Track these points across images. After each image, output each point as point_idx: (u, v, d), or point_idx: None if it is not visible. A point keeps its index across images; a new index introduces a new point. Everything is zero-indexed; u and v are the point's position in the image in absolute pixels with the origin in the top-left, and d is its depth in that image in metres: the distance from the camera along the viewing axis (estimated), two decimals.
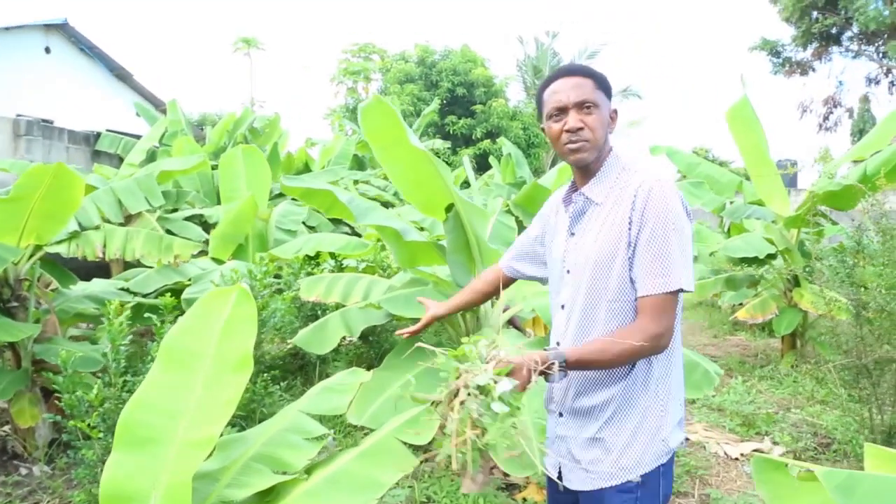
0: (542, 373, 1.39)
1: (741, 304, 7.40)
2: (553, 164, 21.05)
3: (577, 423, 1.64)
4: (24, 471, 3.71)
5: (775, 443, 4.14)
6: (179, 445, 1.75)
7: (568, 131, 1.58)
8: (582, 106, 1.57)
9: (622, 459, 1.56)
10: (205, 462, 1.96)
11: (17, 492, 3.46)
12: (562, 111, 1.59)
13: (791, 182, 22.86)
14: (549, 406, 1.75)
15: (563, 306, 1.67)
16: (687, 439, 4.26)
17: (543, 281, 1.94)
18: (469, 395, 1.29)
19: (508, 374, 1.33)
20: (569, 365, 1.45)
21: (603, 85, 1.62)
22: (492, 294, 2.06)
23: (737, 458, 3.95)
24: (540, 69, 22.76)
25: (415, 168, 3.38)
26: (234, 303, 1.97)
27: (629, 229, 1.51)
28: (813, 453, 3.99)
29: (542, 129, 1.69)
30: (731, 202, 7.14)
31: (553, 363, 1.41)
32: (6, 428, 4.11)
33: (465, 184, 11.10)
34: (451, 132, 19.66)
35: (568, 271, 1.66)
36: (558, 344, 1.67)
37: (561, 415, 1.69)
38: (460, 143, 19.68)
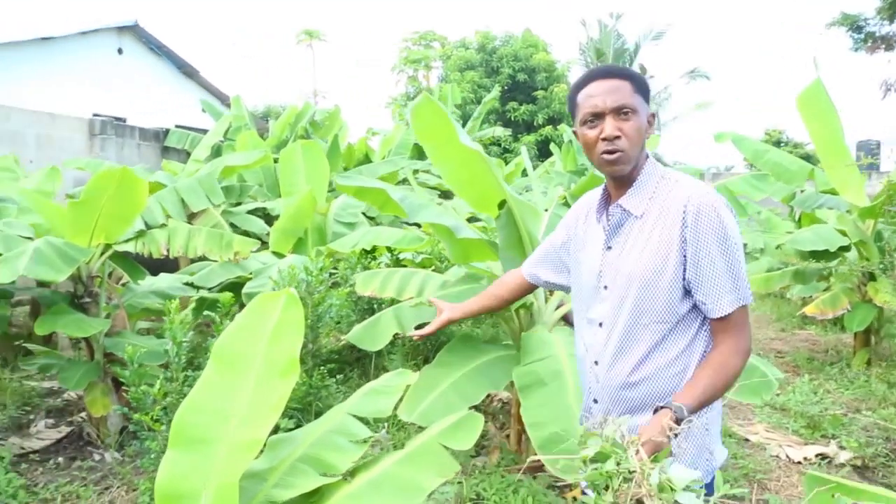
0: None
1: (811, 297, 7.09)
2: None
3: None
4: (97, 456, 3.93)
5: (842, 447, 3.96)
6: (229, 446, 1.81)
7: (605, 139, 1.49)
8: (620, 112, 1.48)
9: None
10: (254, 461, 2.04)
11: (91, 476, 3.67)
12: (598, 117, 1.50)
13: (873, 165, 21.69)
14: (586, 426, 1.70)
15: (600, 324, 1.60)
16: (747, 440, 4.13)
17: (566, 289, 1.87)
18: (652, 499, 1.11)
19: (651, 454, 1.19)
20: (691, 413, 1.35)
21: (641, 88, 1.53)
22: (511, 301, 2.01)
23: (799, 462, 3.80)
24: (603, 52, 22.30)
25: (466, 166, 3.38)
26: (282, 307, 2.03)
27: (683, 249, 1.45)
28: (884, 460, 3.80)
29: (575, 134, 1.61)
30: (802, 191, 6.83)
31: (683, 419, 1.30)
32: (82, 415, 4.36)
33: (525, 173, 11.03)
34: (512, 119, 19.52)
35: (605, 287, 1.58)
36: (596, 363, 1.60)
37: None
38: (521, 129, 19.51)
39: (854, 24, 18.04)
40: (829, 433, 4.24)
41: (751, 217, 13.14)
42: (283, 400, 1.87)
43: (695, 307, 1.50)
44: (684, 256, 1.45)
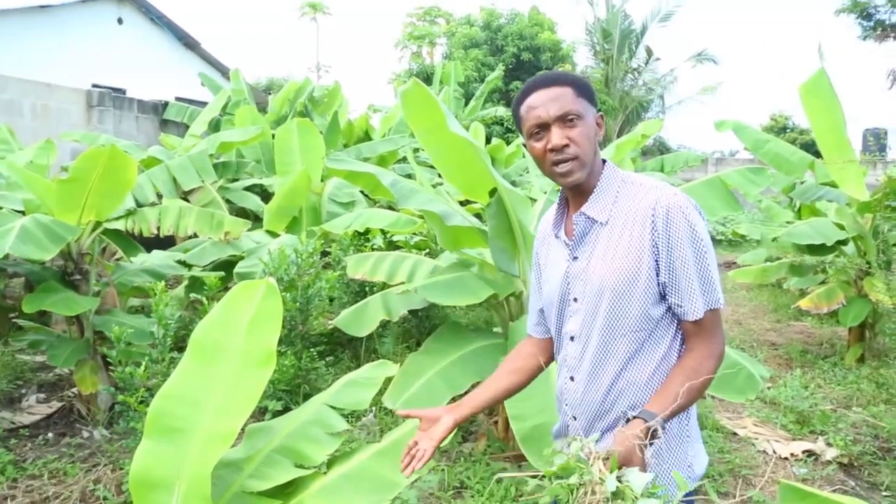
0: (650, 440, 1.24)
1: (808, 288, 7.07)
2: (620, 133, 20.51)
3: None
4: (85, 433, 3.94)
5: (829, 444, 3.96)
6: (203, 437, 1.80)
7: (552, 150, 1.42)
8: (564, 119, 1.42)
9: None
10: (231, 450, 2.04)
11: (79, 453, 3.69)
12: (543, 127, 1.44)
13: (881, 149, 21.46)
14: (561, 442, 1.62)
15: (572, 338, 1.53)
16: (735, 434, 4.14)
17: None
18: None
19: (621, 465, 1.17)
20: (665, 420, 1.30)
21: (585, 91, 1.46)
22: (538, 366, 1.70)
23: (786, 458, 3.80)
24: (609, 33, 21.99)
25: (456, 153, 3.35)
26: (261, 297, 2.01)
27: (654, 253, 1.40)
28: (871, 458, 3.80)
29: (524, 146, 1.54)
30: (802, 182, 6.76)
31: (655, 428, 1.25)
32: (73, 391, 4.37)
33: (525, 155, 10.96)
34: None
35: (575, 299, 1.52)
36: (572, 379, 1.54)
37: None
38: None
39: (864, 12, 17.82)
40: (817, 429, 4.24)
41: (752, 205, 13.10)
42: (259, 391, 1.85)
43: (668, 312, 1.46)
44: (656, 261, 1.41)
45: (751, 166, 4.00)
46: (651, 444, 1.23)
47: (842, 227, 5.82)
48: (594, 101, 1.49)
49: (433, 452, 1.49)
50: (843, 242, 5.90)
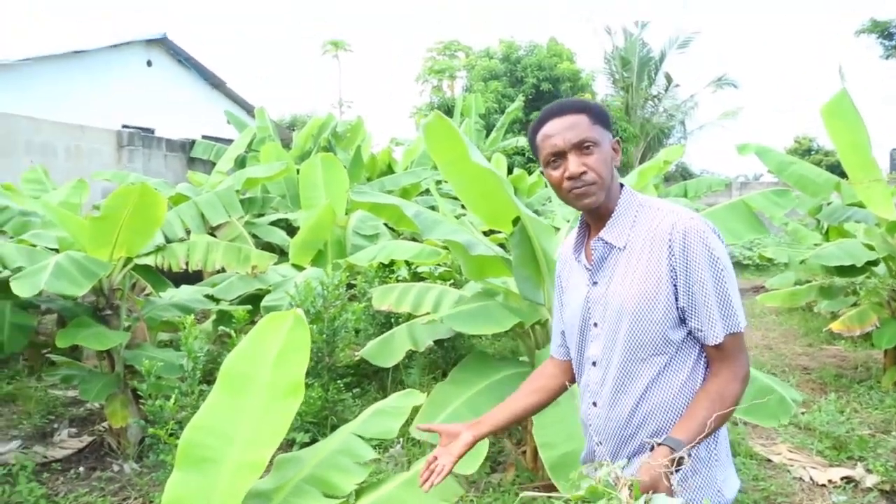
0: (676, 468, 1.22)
1: (840, 311, 6.93)
2: (642, 160, 20.49)
3: None
4: (116, 467, 3.98)
5: (869, 470, 3.84)
6: (233, 467, 1.82)
7: (570, 178, 1.44)
8: (581, 147, 1.43)
9: None
10: (261, 481, 2.05)
11: (110, 487, 3.73)
12: (559, 156, 1.45)
13: None
14: (588, 467, 1.61)
15: (594, 363, 1.53)
16: (769, 461, 4.04)
17: None
18: None
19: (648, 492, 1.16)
20: (691, 447, 1.28)
21: (600, 118, 1.47)
22: (560, 387, 1.70)
23: (824, 485, 3.69)
24: (628, 61, 22.13)
25: (478, 183, 3.38)
26: (288, 328, 2.04)
27: (672, 277, 1.40)
28: None
29: (542, 173, 1.57)
30: (829, 203, 6.68)
31: (680, 456, 1.23)
32: (104, 425, 4.43)
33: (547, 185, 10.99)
34: None
35: (595, 324, 1.52)
36: (595, 404, 1.54)
37: None
38: None
39: (885, 31, 17.71)
40: (855, 455, 4.11)
41: (778, 229, 12.93)
42: (288, 422, 1.88)
43: (689, 336, 1.45)
44: (674, 285, 1.40)
45: (774, 188, 3.97)
46: (677, 472, 1.21)
47: (871, 248, 5.72)
48: (610, 127, 1.50)
49: (452, 467, 1.51)
50: (874, 263, 5.79)
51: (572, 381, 1.71)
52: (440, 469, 1.50)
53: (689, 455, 1.26)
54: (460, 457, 1.52)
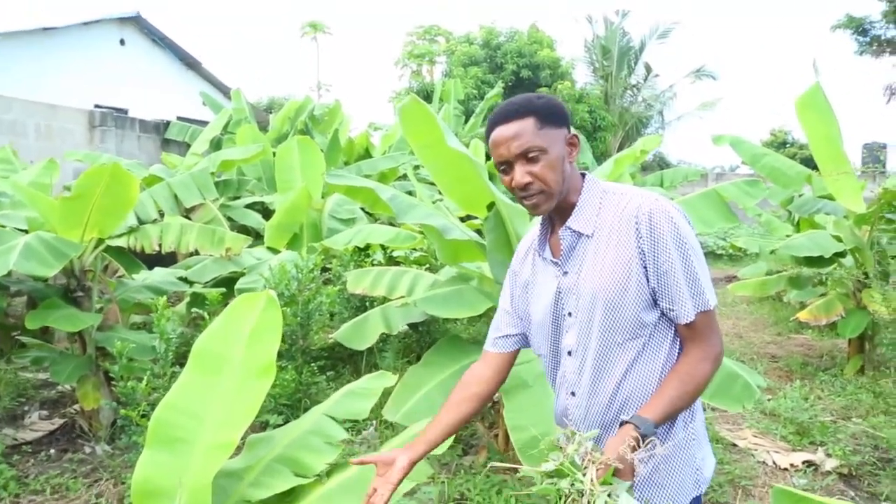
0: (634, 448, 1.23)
1: (809, 301, 7.08)
2: (620, 149, 20.61)
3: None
4: (88, 449, 3.96)
5: (829, 455, 3.96)
6: (204, 447, 1.83)
7: (517, 188, 1.44)
8: (525, 156, 1.42)
9: (654, 497, 1.46)
10: (232, 460, 2.06)
11: (81, 469, 3.71)
12: (507, 164, 1.45)
13: (876, 161, 21.51)
14: (565, 447, 1.63)
15: (569, 352, 1.52)
16: (734, 445, 4.14)
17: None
18: None
19: (614, 474, 1.19)
20: (657, 427, 1.31)
21: (549, 117, 1.44)
22: (493, 390, 1.68)
23: (786, 469, 3.80)
24: (608, 50, 22.18)
25: (454, 168, 3.40)
26: (261, 309, 2.04)
27: (642, 259, 1.40)
28: (871, 468, 3.80)
29: None
30: (800, 195, 6.81)
31: (648, 437, 1.25)
32: (75, 407, 4.39)
33: None
34: None
35: (569, 314, 1.51)
36: (573, 394, 1.53)
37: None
38: None
39: (859, 28, 17.97)
40: (817, 440, 4.24)
41: (751, 219, 13.13)
42: (259, 401, 1.88)
43: (663, 317, 1.46)
44: (644, 266, 1.41)
45: (746, 179, 4.04)
46: (641, 450, 1.23)
47: (840, 240, 5.85)
48: (564, 122, 1.47)
49: (389, 496, 1.47)
50: (842, 255, 5.93)
51: (502, 381, 1.69)
52: (379, 500, 1.46)
53: (655, 434, 1.27)
54: (399, 483, 1.49)
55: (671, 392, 1.37)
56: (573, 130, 1.52)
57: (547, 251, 1.56)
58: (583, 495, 1.14)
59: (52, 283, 4.38)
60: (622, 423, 1.34)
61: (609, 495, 1.14)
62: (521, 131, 1.42)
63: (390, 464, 1.52)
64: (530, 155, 1.42)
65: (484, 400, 1.67)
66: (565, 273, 1.51)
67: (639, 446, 1.23)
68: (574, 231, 1.48)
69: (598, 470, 1.17)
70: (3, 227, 4.08)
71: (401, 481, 1.50)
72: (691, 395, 1.39)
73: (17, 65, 11.90)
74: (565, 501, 1.15)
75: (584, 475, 1.17)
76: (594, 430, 1.40)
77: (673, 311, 1.42)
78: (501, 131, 1.44)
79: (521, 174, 1.43)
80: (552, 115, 1.45)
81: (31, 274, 3.39)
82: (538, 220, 1.63)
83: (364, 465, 1.65)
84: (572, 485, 1.16)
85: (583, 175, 1.53)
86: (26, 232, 3.97)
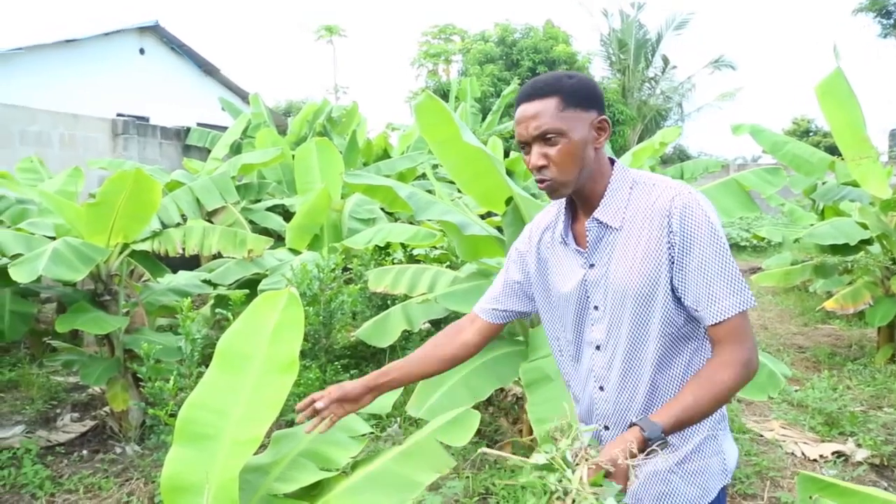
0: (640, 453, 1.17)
1: (836, 291, 6.97)
2: (640, 141, 20.45)
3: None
4: (118, 449, 4.04)
5: (859, 445, 3.90)
6: (230, 443, 1.86)
7: (532, 169, 1.40)
8: (543, 138, 1.36)
9: (689, 490, 1.44)
10: (258, 456, 2.09)
11: (112, 468, 3.78)
12: (526, 144, 1.40)
13: None
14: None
15: (598, 347, 1.48)
16: (761, 437, 4.10)
17: (528, 315, 1.74)
18: None
19: (606, 476, 1.13)
20: (666, 433, 1.22)
21: (574, 98, 1.37)
22: (468, 356, 1.71)
23: (815, 460, 3.75)
24: (625, 43, 22.06)
25: (471, 163, 3.41)
26: (283, 307, 2.07)
27: (670, 253, 1.34)
28: None
29: None
30: (823, 183, 6.71)
31: (652, 443, 1.18)
32: (105, 409, 4.48)
33: None
34: None
35: (596, 307, 1.46)
36: (602, 388, 1.50)
37: None
38: None
39: (883, 10, 17.63)
40: (847, 431, 4.17)
41: (774, 209, 12.96)
42: (283, 397, 1.91)
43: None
44: (671, 262, 1.35)
45: (766, 167, 4.00)
46: (641, 457, 1.15)
47: (865, 227, 5.76)
48: (592, 105, 1.40)
49: (342, 416, 1.62)
50: (868, 242, 5.83)
51: (477, 352, 1.72)
52: (329, 417, 1.60)
53: (665, 441, 1.20)
54: (357, 409, 1.63)
55: (687, 398, 1.28)
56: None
57: (571, 239, 1.51)
58: (567, 494, 1.08)
59: (80, 287, 4.47)
60: (631, 424, 1.27)
61: (596, 498, 1.06)
62: (542, 112, 1.36)
63: (354, 398, 1.62)
64: (548, 137, 1.36)
65: (458, 363, 1.71)
66: (592, 266, 1.46)
67: (641, 451, 1.16)
68: (601, 223, 1.43)
69: (588, 469, 1.10)
70: (32, 234, 4.17)
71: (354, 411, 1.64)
72: (710, 403, 1.29)
73: (42, 77, 12.15)
74: (549, 498, 1.10)
75: (573, 473, 1.10)
76: (593, 425, 1.38)
77: (698, 311, 1.35)
78: (524, 109, 1.40)
79: (536, 156, 1.38)
80: (579, 97, 1.38)
81: (59, 279, 3.46)
82: (553, 201, 1.58)
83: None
84: (559, 481, 1.10)
85: (612, 162, 1.47)
86: (54, 239, 4.06)
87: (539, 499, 1.11)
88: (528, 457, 3.34)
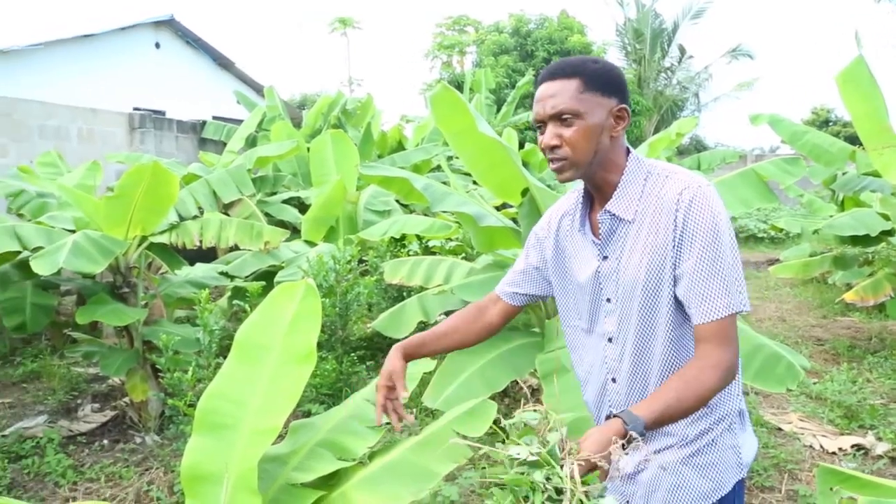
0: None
1: (856, 282, 6.88)
2: (656, 132, 20.30)
3: (644, 458, 1.44)
4: (138, 439, 4.09)
5: (879, 438, 3.86)
6: (248, 432, 1.88)
7: (545, 149, 1.39)
8: (559, 118, 1.36)
9: (702, 483, 1.43)
10: (276, 445, 2.11)
11: (132, 458, 3.83)
12: (542, 123, 1.40)
13: None
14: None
15: (610, 339, 1.49)
16: (779, 429, 4.07)
17: (547, 297, 1.74)
18: None
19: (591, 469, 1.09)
20: (647, 429, 1.21)
21: (596, 82, 1.36)
22: (492, 333, 1.74)
23: (834, 453, 3.72)
24: (641, 32, 21.86)
25: (486, 154, 3.40)
26: (300, 297, 2.08)
27: (674, 245, 1.33)
28: None
29: None
30: (844, 173, 6.61)
31: (634, 437, 1.16)
32: (125, 400, 4.53)
33: None
34: None
35: (608, 300, 1.47)
36: (614, 380, 1.51)
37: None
38: None
39: None
40: (866, 424, 4.13)
41: (793, 200, 12.81)
42: (300, 388, 1.92)
43: None
44: (673, 255, 1.35)
45: (785, 157, 3.95)
46: (630, 449, 1.12)
47: (887, 218, 5.67)
48: (613, 91, 1.39)
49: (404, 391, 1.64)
50: (889, 233, 5.74)
51: (497, 332, 1.76)
52: (399, 410, 1.65)
53: (642, 435, 1.17)
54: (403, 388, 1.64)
55: (669, 394, 1.27)
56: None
57: (587, 228, 1.51)
58: (561, 493, 1.01)
59: (99, 280, 4.53)
60: (609, 416, 1.26)
61: (589, 496, 1.01)
62: (561, 91, 1.36)
63: (397, 374, 1.66)
64: (564, 117, 1.35)
65: (482, 341, 1.76)
66: (605, 257, 1.46)
67: (625, 446, 1.11)
68: (613, 215, 1.42)
69: (579, 466, 1.04)
70: (52, 227, 4.22)
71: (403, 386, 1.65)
72: (691, 403, 1.27)
73: (60, 72, 12.26)
74: (542, 498, 1.02)
75: (561, 468, 1.03)
76: (568, 413, 1.34)
77: (689, 307, 1.34)
78: (543, 88, 1.39)
79: (549, 135, 1.37)
80: (601, 82, 1.38)
81: (79, 270, 3.50)
82: (570, 188, 1.59)
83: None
84: (548, 479, 1.03)
85: (628, 152, 1.45)
86: (73, 232, 4.11)
87: (529, 496, 1.04)
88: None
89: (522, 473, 1.05)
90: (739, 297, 1.31)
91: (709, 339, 1.31)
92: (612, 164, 1.42)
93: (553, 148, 1.37)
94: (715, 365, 1.29)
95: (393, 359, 1.66)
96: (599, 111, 1.37)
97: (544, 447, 1.07)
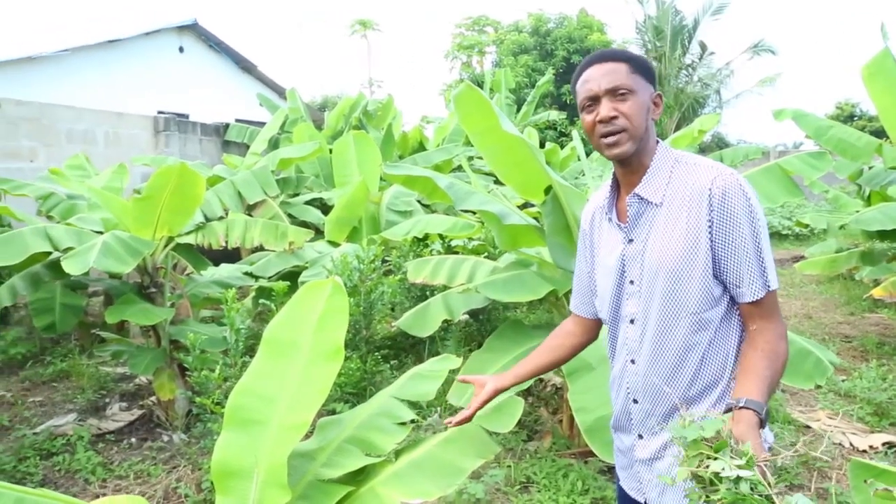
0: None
1: (885, 278, 6.75)
2: (677, 129, 20.10)
3: (662, 446, 1.51)
4: (165, 437, 4.15)
5: None
6: (278, 428, 1.90)
7: (601, 121, 1.43)
8: (615, 92, 1.42)
9: None
10: (305, 442, 2.14)
11: (160, 456, 3.89)
12: (594, 100, 1.45)
13: None
14: (622, 428, 1.63)
15: (632, 320, 1.52)
16: (808, 427, 4.01)
17: None
18: None
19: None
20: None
21: (641, 68, 1.45)
22: (579, 345, 1.78)
23: (864, 451, 3.66)
24: (661, 30, 21.64)
25: (510, 152, 3.40)
26: (328, 295, 2.10)
27: (710, 232, 1.38)
28: None
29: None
30: (870, 167, 6.50)
31: (764, 418, 1.25)
32: (152, 399, 4.61)
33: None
34: (567, 102, 19.30)
35: (631, 281, 1.51)
36: (633, 361, 1.53)
37: (641, 436, 1.56)
38: (577, 112, 19.26)
39: None
40: None
41: (818, 196, 12.61)
42: (329, 384, 1.94)
43: (725, 292, 1.43)
44: (711, 240, 1.39)
45: (811, 151, 3.90)
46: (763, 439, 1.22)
47: None
48: (652, 80, 1.48)
49: (474, 413, 1.75)
50: None
51: (591, 340, 1.77)
52: (463, 413, 1.74)
53: (768, 416, 1.26)
54: (484, 403, 1.73)
55: (766, 371, 1.32)
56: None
57: (614, 214, 1.56)
58: (770, 501, 1.00)
59: (127, 280, 4.60)
60: (731, 408, 1.26)
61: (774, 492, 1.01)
62: (615, 70, 1.44)
63: (482, 385, 1.76)
64: (620, 92, 1.43)
65: (572, 350, 1.79)
66: (630, 241, 1.50)
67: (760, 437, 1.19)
68: (642, 199, 1.47)
69: (758, 468, 1.05)
70: (81, 228, 4.30)
71: (486, 402, 1.74)
72: (780, 375, 1.36)
73: (87, 76, 12.49)
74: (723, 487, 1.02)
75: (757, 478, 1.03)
76: (721, 413, 1.32)
77: (740, 288, 1.39)
78: (596, 69, 1.46)
79: (607, 108, 1.43)
80: (644, 68, 1.47)
81: (108, 270, 3.56)
82: (600, 186, 1.63)
83: (467, 383, 1.89)
84: (752, 489, 1.02)
85: (657, 142, 1.52)
86: (101, 233, 4.18)
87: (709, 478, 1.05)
88: (570, 447, 3.28)
89: (729, 490, 1.03)
90: (775, 277, 1.41)
91: (763, 314, 1.40)
92: (648, 146, 1.49)
93: (611, 119, 1.42)
94: (783, 335, 1.40)
95: (487, 382, 1.78)
96: (646, 92, 1.46)
97: (738, 457, 1.07)
